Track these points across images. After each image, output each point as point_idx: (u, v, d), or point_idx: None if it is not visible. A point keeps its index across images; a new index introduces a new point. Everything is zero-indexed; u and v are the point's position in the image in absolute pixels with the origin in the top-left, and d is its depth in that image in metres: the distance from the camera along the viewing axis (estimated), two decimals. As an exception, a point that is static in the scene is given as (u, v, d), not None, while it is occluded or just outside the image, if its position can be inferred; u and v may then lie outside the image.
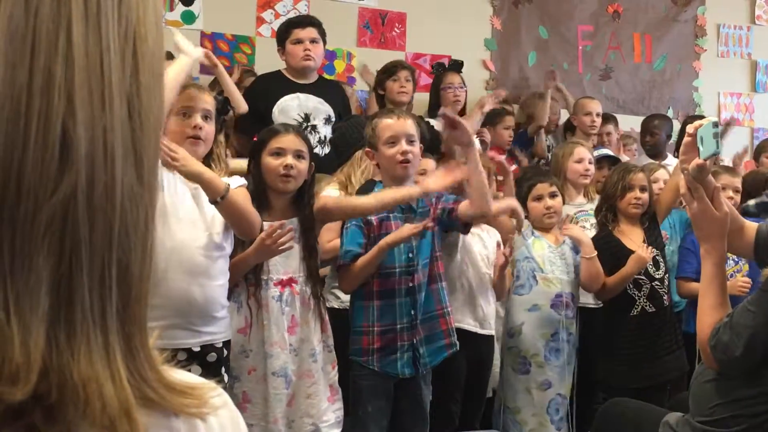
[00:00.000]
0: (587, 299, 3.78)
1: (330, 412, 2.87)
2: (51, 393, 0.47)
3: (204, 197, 2.54)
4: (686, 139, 2.09)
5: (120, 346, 0.51)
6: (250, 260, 2.73)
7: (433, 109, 4.87)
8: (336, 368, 2.93)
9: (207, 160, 2.65)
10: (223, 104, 2.80)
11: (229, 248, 2.64)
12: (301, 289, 2.82)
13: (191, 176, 2.47)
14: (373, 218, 2.93)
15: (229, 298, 2.72)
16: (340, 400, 2.92)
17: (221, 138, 2.77)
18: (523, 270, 3.56)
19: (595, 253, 3.53)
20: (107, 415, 0.48)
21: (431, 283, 3.00)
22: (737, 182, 4.01)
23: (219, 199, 2.47)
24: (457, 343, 3.06)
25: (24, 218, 0.47)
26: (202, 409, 0.55)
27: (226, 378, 2.65)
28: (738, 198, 3.99)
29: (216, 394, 0.57)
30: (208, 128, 2.59)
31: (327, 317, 2.92)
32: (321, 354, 2.86)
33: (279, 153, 2.80)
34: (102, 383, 0.48)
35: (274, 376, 2.76)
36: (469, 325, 3.36)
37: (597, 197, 3.98)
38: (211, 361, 2.57)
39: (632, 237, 3.71)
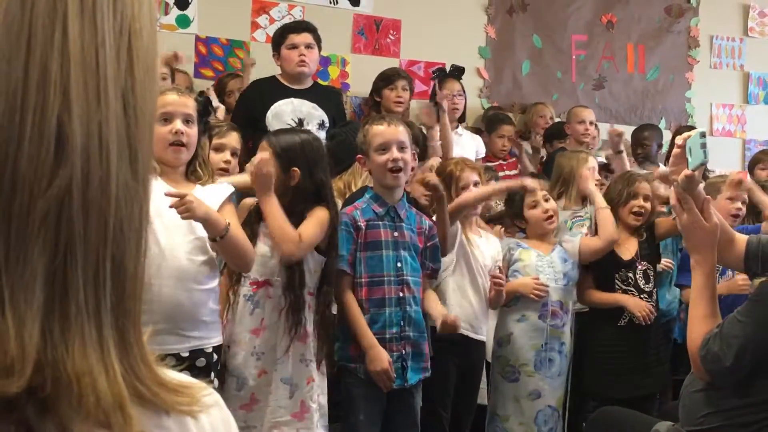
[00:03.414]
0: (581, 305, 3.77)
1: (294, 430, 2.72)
2: (45, 386, 0.47)
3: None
4: (675, 150, 2.10)
5: (114, 341, 0.51)
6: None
7: None
8: (312, 383, 2.75)
9: (191, 164, 2.59)
10: (205, 105, 2.74)
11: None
12: (276, 295, 2.73)
13: (198, 220, 2.42)
14: (362, 223, 2.91)
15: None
16: (311, 419, 2.74)
17: (205, 140, 2.72)
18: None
19: (607, 206, 3.61)
20: (101, 408, 0.48)
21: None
22: (743, 194, 3.84)
23: (218, 238, 2.43)
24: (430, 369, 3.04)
25: (19, 212, 0.47)
26: (194, 407, 0.55)
27: (216, 383, 2.60)
28: (745, 208, 3.83)
29: (207, 393, 0.57)
30: (191, 132, 2.52)
31: (310, 328, 2.76)
32: (290, 364, 2.72)
33: None
34: (96, 377, 0.48)
35: (227, 374, 2.71)
36: (460, 327, 3.34)
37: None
38: (200, 366, 2.54)
39: (627, 246, 3.69)
